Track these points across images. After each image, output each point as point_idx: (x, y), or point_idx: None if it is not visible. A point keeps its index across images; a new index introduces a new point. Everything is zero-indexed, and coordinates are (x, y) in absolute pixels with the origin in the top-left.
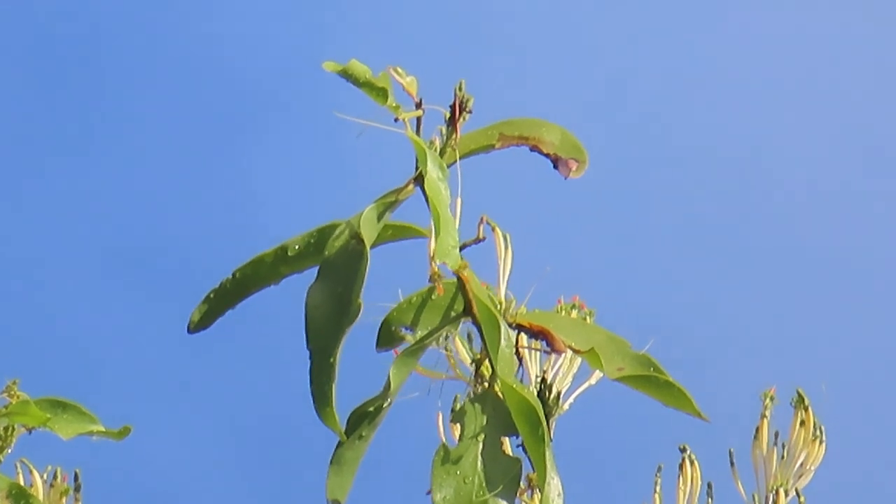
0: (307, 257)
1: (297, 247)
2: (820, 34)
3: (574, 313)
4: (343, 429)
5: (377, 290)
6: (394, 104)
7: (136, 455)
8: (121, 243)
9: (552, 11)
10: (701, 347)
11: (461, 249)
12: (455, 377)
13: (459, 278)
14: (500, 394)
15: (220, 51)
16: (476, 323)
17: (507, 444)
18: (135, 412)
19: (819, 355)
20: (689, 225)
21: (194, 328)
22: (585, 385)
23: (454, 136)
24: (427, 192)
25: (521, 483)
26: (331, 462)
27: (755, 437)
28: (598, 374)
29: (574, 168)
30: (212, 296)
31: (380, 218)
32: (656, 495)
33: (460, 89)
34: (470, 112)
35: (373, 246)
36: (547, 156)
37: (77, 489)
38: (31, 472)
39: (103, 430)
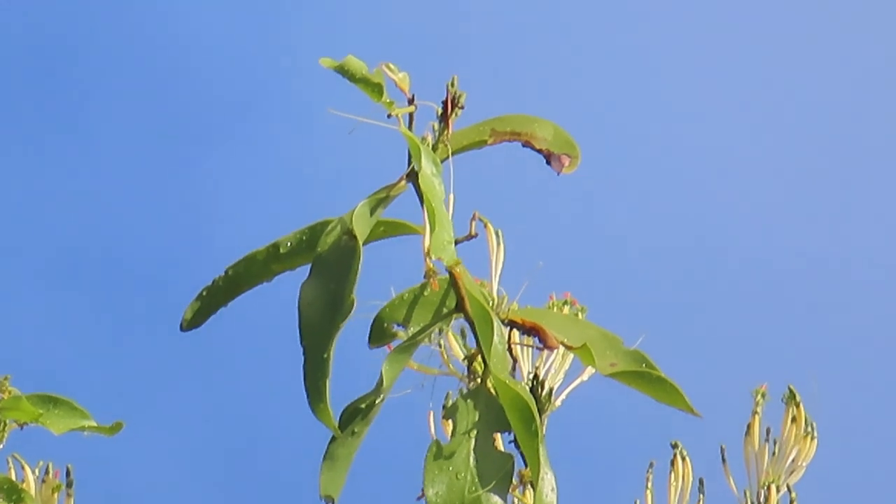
0: (299, 254)
1: (289, 244)
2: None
3: (566, 310)
4: (337, 425)
5: (370, 287)
6: (387, 100)
7: (117, 453)
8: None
9: (545, 8)
10: (693, 343)
11: (454, 245)
12: (448, 373)
13: (452, 274)
14: (492, 390)
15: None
16: (468, 319)
17: (500, 441)
18: (124, 409)
19: (810, 352)
20: (682, 222)
21: (187, 326)
22: (578, 381)
23: (446, 133)
24: (421, 188)
25: (514, 479)
26: (324, 458)
27: (747, 434)
28: (590, 371)
29: (567, 164)
30: (204, 293)
31: (372, 214)
32: (648, 491)
33: (452, 85)
34: (462, 108)
35: (365, 243)
36: (539, 151)
37: (69, 485)
38: (22, 467)
39: (95, 425)
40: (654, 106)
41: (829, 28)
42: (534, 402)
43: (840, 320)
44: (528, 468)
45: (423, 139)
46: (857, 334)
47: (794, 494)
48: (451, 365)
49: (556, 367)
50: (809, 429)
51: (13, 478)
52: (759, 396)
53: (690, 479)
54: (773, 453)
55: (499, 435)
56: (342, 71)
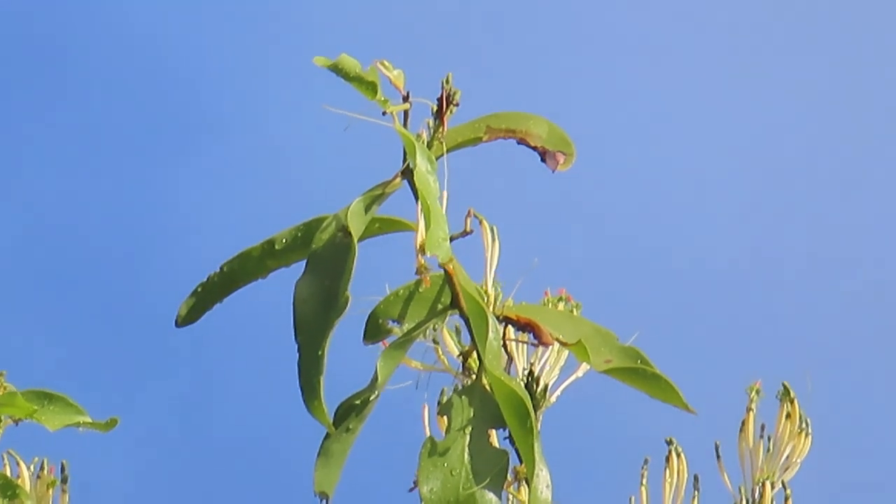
0: (294, 251)
1: (284, 240)
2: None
3: (561, 306)
4: (331, 421)
5: (365, 284)
6: (382, 98)
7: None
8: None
9: (541, 5)
10: (687, 340)
11: (449, 242)
12: (442, 370)
13: (446, 271)
14: (487, 386)
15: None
16: (463, 315)
17: (495, 437)
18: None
19: (804, 348)
20: (677, 218)
21: (182, 322)
22: (573, 377)
23: (441, 130)
24: (416, 185)
25: (508, 475)
26: (318, 455)
27: (741, 430)
28: (585, 367)
29: (562, 161)
30: (199, 290)
31: (367, 211)
32: (643, 488)
33: (447, 82)
34: (457, 105)
35: (360, 239)
36: (534, 149)
37: (64, 481)
38: (18, 463)
39: (90, 421)
40: (649, 102)
41: (817, 31)
42: (529, 399)
43: (834, 317)
44: (523, 464)
45: (418, 136)
46: (851, 331)
47: (788, 491)
48: (445, 361)
49: (550, 363)
50: (804, 425)
51: (8, 474)
52: (753, 393)
53: (685, 475)
54: (768, 450)
55: (494, 431)
56: (336, 69)
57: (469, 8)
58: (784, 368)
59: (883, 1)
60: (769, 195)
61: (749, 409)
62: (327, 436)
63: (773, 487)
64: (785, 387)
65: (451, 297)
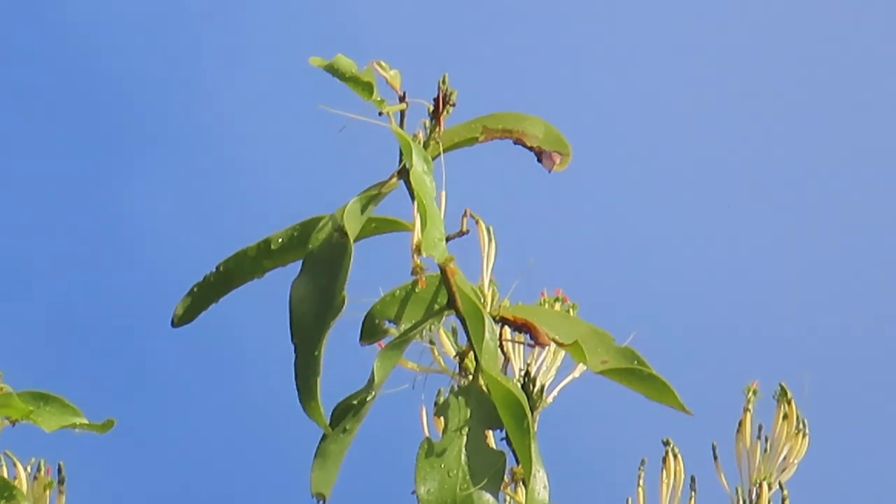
0: (291, 251)
1: (280, 240)
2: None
3: (557, 306)
4: (328, 422)
5: (361, 284)
6: (378, 98)
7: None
8: None
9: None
10: (684, 341)
11: (445, 242)
12: (439, 371)
13: (443, 271)
14: (484, 387)
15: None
16: (460, 316)
17: (491, 438)
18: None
19: (801, 349)
20: (671, 216)
21: (178, 322)
22: (569, 378)
23: (437, 130)
24: (413, 185)
25: (505, 476)
26: (315, 455)
27: (738, 431)
28: (581, 368)
29: (558, 161)
30: (195, 289)
31: (363, 211)
32: (639, 489)
33: (444, 83)
34: (453, 105)
35: (356, 239)
36: (531, 149)
37: (61, 482)
38: (14, 464)
39: (87, 423)
40: (646, 103)
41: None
42: (525, 399)
43: (831, 317)
44: (520, 465)
45: (415, 137)
46: (849, 332)
47: (785, 492)
48: (442, 362)
49: (547, 363)
50: (801, 426)
51: (5, 475)
52: (750, 394)
53: (682, 476)
54: (765, 451)
55: (490, 432)
56: (332, 70)
57: (465, 8)
58: (781, 369)
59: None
60: (767, 193)
61: (746, 410)
62: (324, 437)
63: (770, 488)
64: (782, 387)
65: (447, 298)
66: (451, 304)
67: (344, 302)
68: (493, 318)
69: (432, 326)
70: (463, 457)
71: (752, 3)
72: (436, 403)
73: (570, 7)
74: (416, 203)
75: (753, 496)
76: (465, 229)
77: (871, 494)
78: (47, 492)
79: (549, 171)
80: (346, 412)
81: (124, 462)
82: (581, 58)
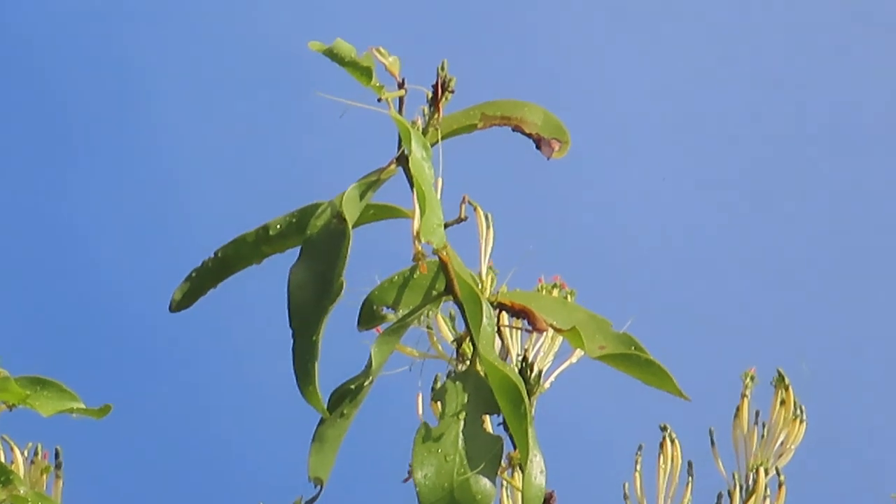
0: (289, 237)
1: (278, 226)
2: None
3: (555, 293)
4: (325, 407)
5: (359, 270)
6: (377, 84)
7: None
8: None
9: None
10: (682, 327)
11: (444, 229)
12: (436, 357)
13: (441, 257)
14: (481, 372)
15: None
16: (458, 302)
17: (489, 423)
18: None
19: (799, 335)
20: (668, 202)
21: (176, 307)
22: (566, 364)
23: (436, 117)
24: (411, 172)
25: (502, 461)
26: (313, 440)
27: (736, 417)
28: (579, 353)
29: (557, 148)
30: (194, 275)
31: (362, 197)
32: (637, 474)
33: (442, 69)
34: (452, 92)
35: (355, 226)
36: (529, 136)
37: (58, 466)
38: (11, 449)
39: (84, 408)
40: (642, 89)
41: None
42: (523, 385)
43: (829, 304)
44: (517, 450)
45: (414, 123)
46: (846, 318)
47: (782, 477)
48: (439, 347)
49: (545, 349)
50: (798, 412)
51: (2, 459)
52: (747, 380)
53: (679, 461)
54: (762, 436)
55: (488, 417)
56: (331, 55)
57: None
58: (779, 355)
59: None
60: (764, 184)
61: (743, 396)
62: (322, 421)
63: (767, 474)
64: (779, 373)
65: (445, 284)
66: (449, 289)
67: (342, 288)
68: (491, 304)
69: (430, 312)
70: (460, 442)
71: None
72: (433, 388)
73: None
74: (414, 190)
75: (750, 482)
76: (463, 216)
77: (867, 480)
78: (44, 476)
79: (548, 159)
80: (343, 397)
81: (121, 447)
82: (579, 44)
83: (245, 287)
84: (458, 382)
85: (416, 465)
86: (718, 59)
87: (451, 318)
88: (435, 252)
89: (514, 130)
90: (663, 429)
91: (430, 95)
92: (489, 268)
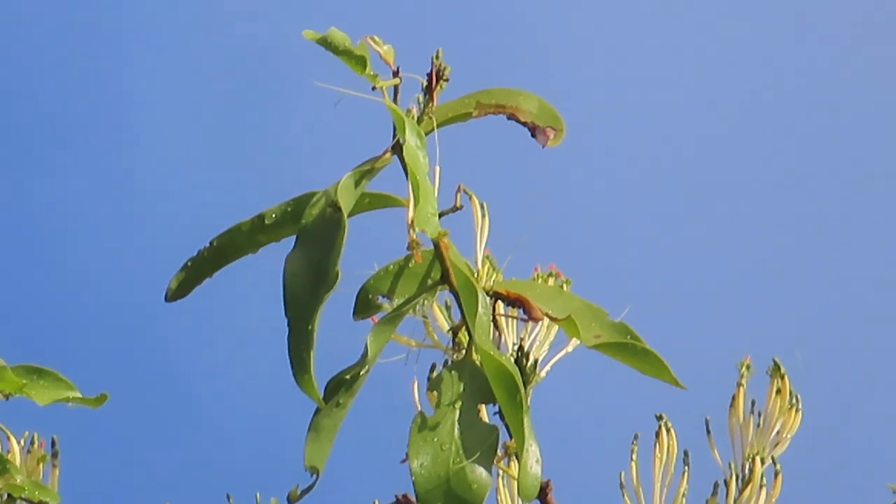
0: (284, 226)
1: (274, 215)
2: None
3: (551, 281)
4: (321, 396)
5: (355, 259)
6: (371, 73)
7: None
8: None
9: None
10: (678, 316)
11: (439, 217)
12: (432, 346)
13: (437, 246)
14: (477, 361)
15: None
16: (453, 291)
17: (485, 412)
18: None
19: (794, 324)
20: (667, 196)
21: (172, 297)
22: (562, 353)
23: (431, 105)
24: (406, 160)
25: (498, 450)
26: (308, 429)
27: (731, 406)
28: (575, 342)
29: (552, 137)
30: (189, 264)
31: (357, 186)
32: (633, 463)
33: (437, 58)
34: (447, 80)
35: (350, 215)
36: (524, 124)
37: (54, 455)
38: (8, 438)
39: (80, 397)
40: (638, 77)
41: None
42: (518, 374)
43: (824, 293)
44: (513, 439)
45: (408, 112)
46: (841, 308)
47: (778, 466)
48: (435, 337)
49: (540, 338)
50: (794, 401)
51: None
52: (743, 369)
53: (675, 451)
54: (758, 425)
55: (483, 406)
56: (325, 44)
57: None
58: (774, 344)
59: None
60: (762, 177)
61: (739, 385)
62: (317, 410)
63: (762, 463)
64: (775, 362)
65: (440, 273)
66: (444, 278)
67: (338, 277)
68: (487, 293)
69: (426, 301)
70: (456, 431)
71: None
72: (429, 378)
73: None
74: (409, 178)
75: (746, 471)
76: (458, 205)
77: (862, 469)
78: (41, 465)
79: (543, 147)
80: (339, 386)
81: (117, 436)
82: (575, 33)
83: (240, 276)
84: (453, 372)
85: (412, 454)
86: (716, 45)
87: (447, 308)
88: (432, 241)
89: (508, 119)
90: (659, 418)
91: (425, 84)
92: (485, 256)
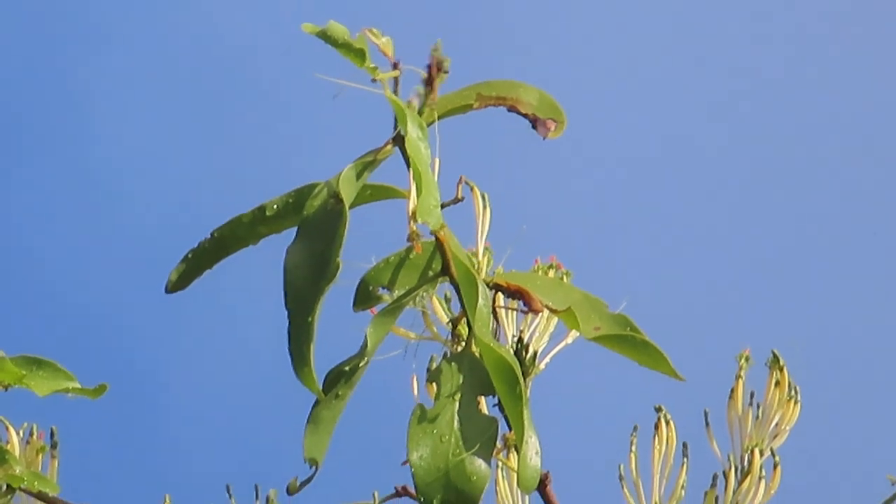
0: (285, 217)
1: (275, 207)
2: None
3: (551, 273)
4: (321, 388)
5: (356, 251)
6: (371, 65)
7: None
8: None
9: None
10: (677, 307)
11: (441, 209)
12: (432, 338)
13: (437, 238)
14: (476, 353)
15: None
16: (454, 282)
17: (484, 404)
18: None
19: (794, 316)
20: (668, 188)
21: (172, 288)
22: (562, 345)
23: (431, 97)
24: (407, 152)
25: (498, 442)
26: (308, 421)
27: (730, 398)
28: (574, 334)
29: (553, 128)
30: (190, 256)
31: (358, 177)
32: (632, 455)
33: (437, 50)
34: (447, 72)
35: (351, 206)
36: (525, 116)
37: (54, 446)
38: (6, 429)
39: (79, 387)
40: (641, 69)
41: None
42: (518, 366)
43: (824, 285)
44: (513, 431)
45: (409, 104)
46: (840, 298)
47: (777, 458)
48: (434, 329)
49: (540, 330)
50: (793, 393)
51: None
52: (742, 361)
53: (674, 442)
54: (757, 417)
55: (483, 398)
56: (324, 36)
57: None
58: (773, 336)
59: None
60: (762, 170)
61: (738, 377)
62: (317, 402)
63: (761, 455)
64: (774, 354)
65: (441, 265)
66: (444, 270)
67: (339, 268)
68: (487, 285)
69: (426, 293)
70: (455, 423)
71: None
72: (428, 370)
73: None
74: (411, 170)
75: (745, 462)
76: (459, 196)
77: (862, 461)
78: (40, 456)
79: (544, 139)
80: (338, 378)
81: (117, 427)
82: (576, 24)
83: (241, 268)
84: (453, 364)
85: (411, 447)
86: (712, 33)
87: (447, 300)
88: (433, 233)
89: (509, 111)
90: (658, 410)
91: (425, 76)
92: (486, 248)
